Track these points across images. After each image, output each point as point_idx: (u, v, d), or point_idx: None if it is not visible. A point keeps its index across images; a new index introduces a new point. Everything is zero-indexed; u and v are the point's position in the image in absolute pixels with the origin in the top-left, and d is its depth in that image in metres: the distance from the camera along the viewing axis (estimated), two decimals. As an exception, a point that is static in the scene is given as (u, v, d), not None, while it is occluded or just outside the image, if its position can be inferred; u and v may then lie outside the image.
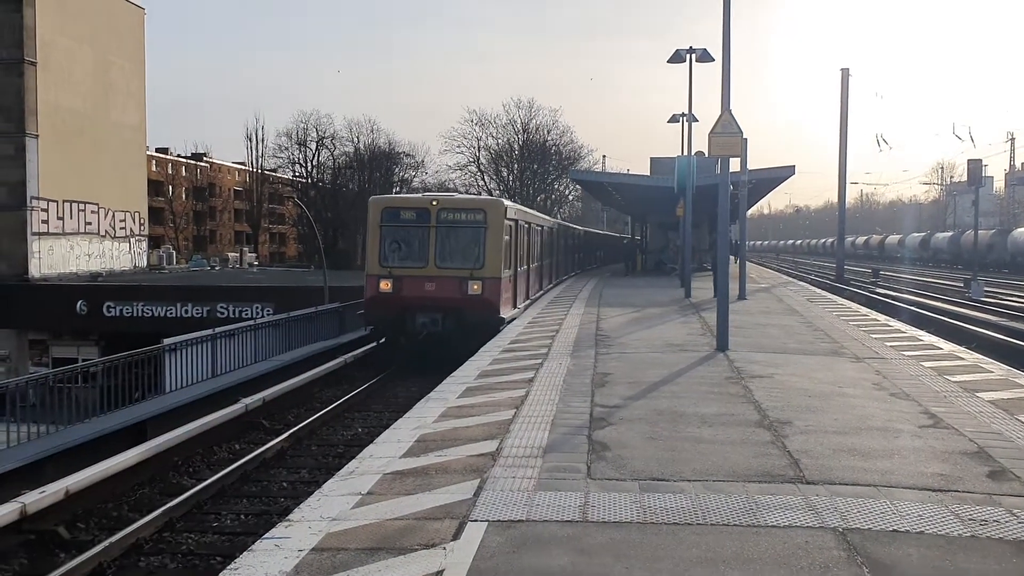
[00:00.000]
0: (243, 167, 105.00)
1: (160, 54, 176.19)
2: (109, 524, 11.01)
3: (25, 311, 38.66)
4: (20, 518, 10.09)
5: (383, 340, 22.28)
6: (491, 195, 67.15)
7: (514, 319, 21.67)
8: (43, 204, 48.40)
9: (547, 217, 38.05)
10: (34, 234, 47.78)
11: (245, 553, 5.82)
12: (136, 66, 58.92)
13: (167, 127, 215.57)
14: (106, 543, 9.76)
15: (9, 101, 47.31)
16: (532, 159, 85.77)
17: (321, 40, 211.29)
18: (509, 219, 22.36)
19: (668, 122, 38.04)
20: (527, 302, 25.65)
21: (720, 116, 14.83)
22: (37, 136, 47.71)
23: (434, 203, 21.40)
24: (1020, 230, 69.25)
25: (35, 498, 10.43)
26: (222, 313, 35.07)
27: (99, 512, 11.40)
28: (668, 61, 29.70)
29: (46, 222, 48.71)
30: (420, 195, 24.14)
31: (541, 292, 29.93)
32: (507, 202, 23.75)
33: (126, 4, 57.95)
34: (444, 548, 5.79)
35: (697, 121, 33.46)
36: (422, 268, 21.04)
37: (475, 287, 20.78)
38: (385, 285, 21.02)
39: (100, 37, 54.13)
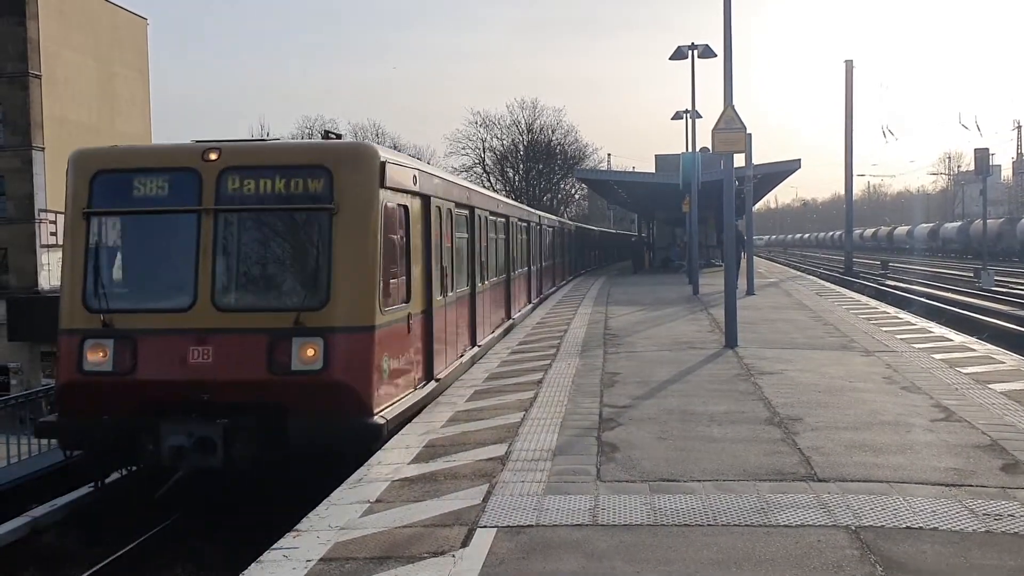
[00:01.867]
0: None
1: (163, 63, 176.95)
2: (122, 535, 10.97)
3: (36, 323, 38.74)
4: (30, 533, 10.09)
5: (105, 480, 10.69)
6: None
7: (421, 409, 10.66)
8: (51, 216, 48.55)
9: (516, 203, 26.19)
10: (43, 246, 47.97)
11: (253, 565, 5.80)
12: (140, 76, 59.17)
13: (172, 136, 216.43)
14: (117, 555, 9.75)
15: (15, 114, 47.54)
16: (537, 159, 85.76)
17: (324, 45, 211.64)
18: (397, 189, 10.42)
19: (672, 119, 37.99)
20: (471, 352, 14.65)
21: (723, 112, 14.78)
22: (43, 148, 47.91)
23: (212, 156, 9.78)
24: (1029, 218, 68.92)
25: (46, 511, 10.44)
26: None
27: (110, 524, 11.36)
28: (670, 58, 29.67)
29: (55, 234, 48.84)
30: (180, 143, 10.90)
31: (511, 320, 19.84)
32: (389, 153, 10.74)
33: (128, 15, 58.19)
34: (453, 555, 5.76)
35: (701, 117, 33.50)
36: (181, 313, 9.51)
37: (309, 352, 9.23)
38: (97, 355, 9.52)
39: (103, 48, 54.37)
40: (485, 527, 6.25)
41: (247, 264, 9.93)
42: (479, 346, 15.34)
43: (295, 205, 9.72)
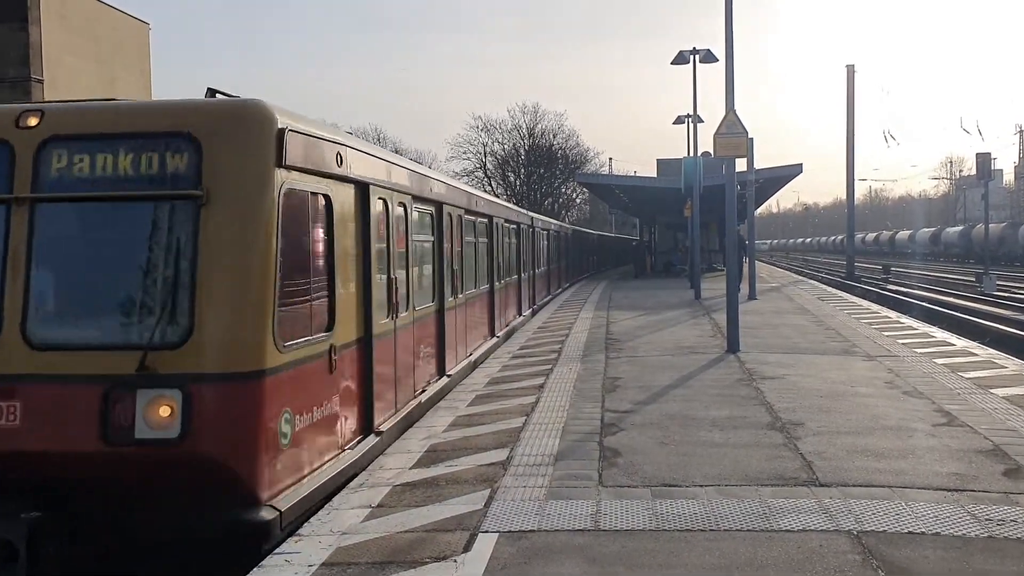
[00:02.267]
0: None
1: (164, 66, 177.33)
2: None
3: None
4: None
5: None
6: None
7: (350, 479, 7.82)
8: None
9: (502, 202, 23.42)
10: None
11: (255, 569, 5.79)
12: (142, 80, 59.21)
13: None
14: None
15: (17, 119, 47.68)
16: (539, 163, 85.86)
17: (325, 49, 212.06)
18: (308, 170, 7.31)
19: (674, 123, 38.07)
20: (437, 385, 11.80)
21: (725, 117, 14.81)
22: (45, 153, 48.04)
23: (31, 121, 6.70)
24: (1031, 223, 68.95)
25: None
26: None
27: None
28: (672, 63, 29.77)
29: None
30: None
31: (495, 339, 17.34)
32: (296, 119, 7.17)
33: (131, 20, 58.32)
34: (455, 560, 5.76)
35: (703, 122, 33.62)
36: None
37: (161, 411, 6.13)
38: None
39: (106, 53, 54.45)
40: (487, 532, 6.26)
41: (75, 279, 6.75)
42: (448, 376, 12.47)
43: (146, 191, 6.59)
